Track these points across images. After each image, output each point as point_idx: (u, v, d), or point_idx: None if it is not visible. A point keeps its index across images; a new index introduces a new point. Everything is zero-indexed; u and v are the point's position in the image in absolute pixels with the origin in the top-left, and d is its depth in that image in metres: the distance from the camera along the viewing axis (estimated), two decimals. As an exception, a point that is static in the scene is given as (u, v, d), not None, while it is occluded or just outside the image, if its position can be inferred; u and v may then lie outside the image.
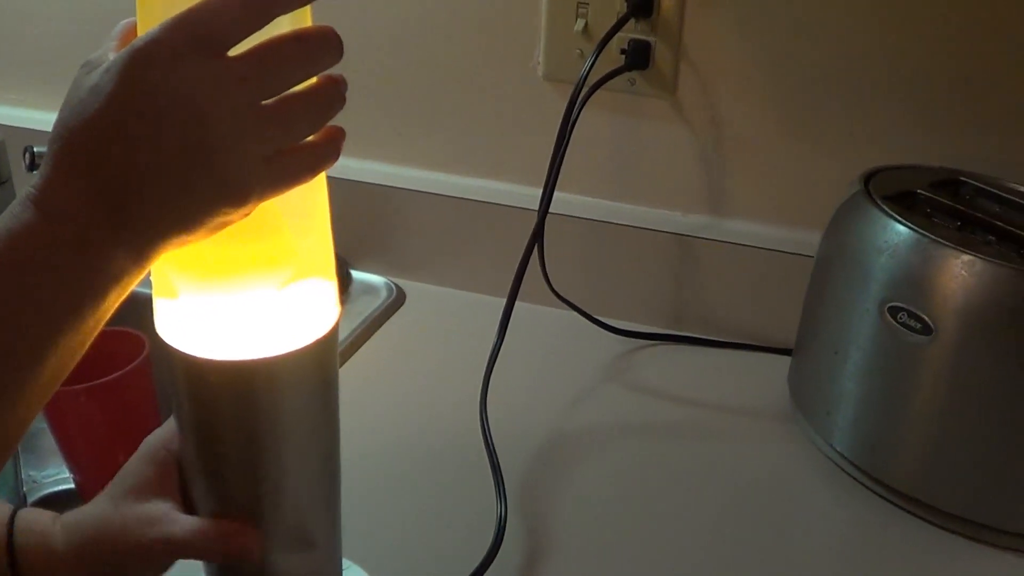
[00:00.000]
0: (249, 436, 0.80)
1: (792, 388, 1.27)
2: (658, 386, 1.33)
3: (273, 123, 0.66)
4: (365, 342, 1.40)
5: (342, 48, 0.70)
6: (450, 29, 1.42)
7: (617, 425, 1.26)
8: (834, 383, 1.17)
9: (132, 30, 0.72)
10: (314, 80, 0.70)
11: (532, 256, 1.31)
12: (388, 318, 1.46)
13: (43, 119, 1.67)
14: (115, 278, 0.67)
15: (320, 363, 0.81)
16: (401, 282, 1.53)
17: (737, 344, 1.41)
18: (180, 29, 0.64)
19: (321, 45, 0.69)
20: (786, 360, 1.30)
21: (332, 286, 0.80)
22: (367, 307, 1.46)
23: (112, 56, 0.65)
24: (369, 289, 1.51)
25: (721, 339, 1.42)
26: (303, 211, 0.76)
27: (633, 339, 1.41)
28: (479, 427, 1.21)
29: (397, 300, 1.49)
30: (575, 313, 1.40)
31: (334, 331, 0.81)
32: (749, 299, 1.40)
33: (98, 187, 0.65)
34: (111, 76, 0.64)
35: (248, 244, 0.73)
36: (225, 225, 0.68)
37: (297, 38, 0.67)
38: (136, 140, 0.64)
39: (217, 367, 0.77)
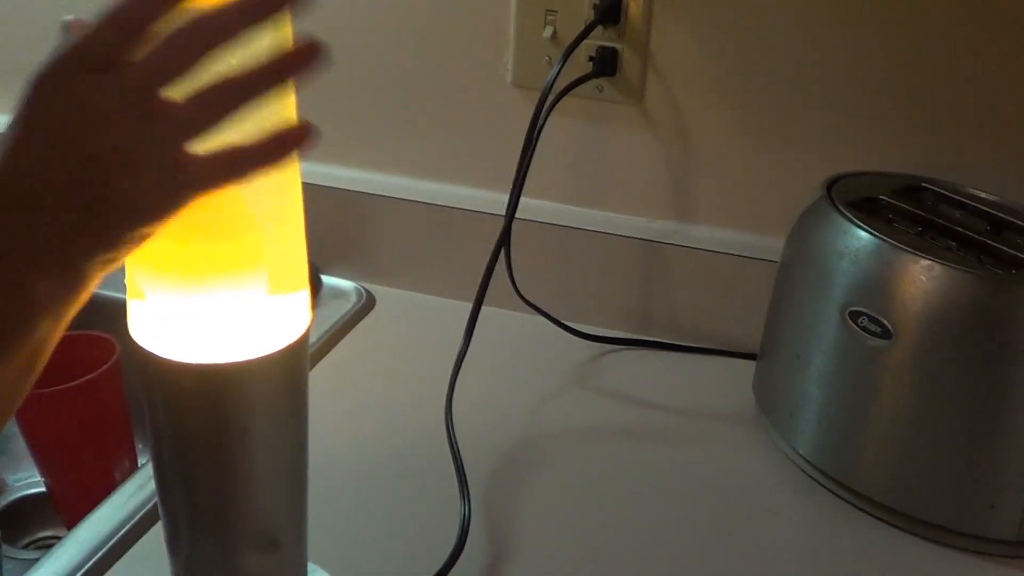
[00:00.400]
0: (219, 439, 0.81)
1: (757, 393, 1.29)
2: (624, 390, 1.34)
3: (174, 122, 0.65)
4: (334, 346, 1.41)
5: (249, 22, 0.67)
6: (419, 35, 1.42)
7: (583, 429, 1.27)
8: (797, 388, 1.19)
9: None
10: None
11: (499, 261, 1.32)
12: (357, 323, 1.46)
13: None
14: (43, 305, 0.66)
15: (291, 368, 0.82)
16: (371, 287, 1.54)
17: (703, 349, 1.42)
18: (67, 51, 0.64)
19: (219, 29, 0.66)
20: (751, 365, 1.31)
21: (304, 292, 0.81)
22: (337, 312, 1.47)
23: None
24: (339, 294, 1.51)
25: (687, 344, 1.43)
26: (275, 214, 0.77)
27: (600, 344, 1.42)
28: (444, 430, 1.22)
29: (367, 305, 1.50)
30: (542, 318, 1.41)
31: (305, 337, 0.82)
32: (715, 304, 1.41)
33: (12, 215, 0.64)
34: (17, 105, 0.64)
35: (216, 243, 0.74)
36: (149, 236, 0.67)
37: (191, 27, 0.65)
38: (38, 165, 0.64)
39: (188, 370, 0.78)
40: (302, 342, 0.82)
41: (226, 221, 0.72)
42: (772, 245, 1.30)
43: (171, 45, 0.65)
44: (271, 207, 0.76)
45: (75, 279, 0.67)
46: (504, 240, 1.32)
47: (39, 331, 0.67)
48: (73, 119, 0.63)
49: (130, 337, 0.80)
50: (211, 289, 0.75)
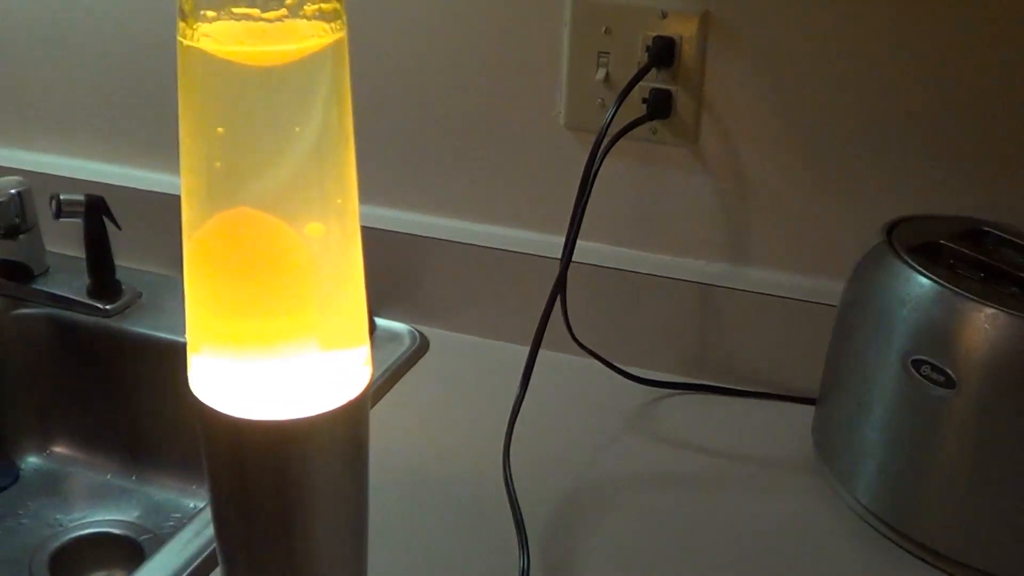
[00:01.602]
0: (279, 494, 0.81)
1: (816, 439, 1.27)
2: (680, 436, 1.33)
3: None
4: (389, 390, 1.40)
5: None
6: (472, 77, 1.42)
7: (639, 475, 1.26)
8: (857, 435, 1.17)
9: None
10: None
11: (554, 305, 1.31)
12: (412, 366, 1.46)
13: (69, 166, 1.68)
14: None
15: (352, 424, 0.82)
16: (425, 329, 1.53)
17: (760, 393, 1.41)
18: None
19: None
20: (809, 410, 1.30)
21: (365, 349, 0.81)
22: (391, 354, 1.47)
23: None
24: (393, 336, 1.51)
25: (744, 388, 1.42)
26: (333, 286, 0.77)
27: (655, 388, 1.41)
28: (502, 477, 1.21)
29: (421, 347, 1.50)
30: (597, 362, 1.40)
31: (366, 392, 0.81)
32: (772, 348, 1.40)
33: None
34: None
35: (275, 319, 0.74)
36: None
37: None
38: None
39: (248, 426, 0.78)
40: (363, 397, 0.81)
41: (282, 298, 0.72)
42: (830, 288, 1.29)
43: None
44: (332, 281, 0.76)
45: None
46: (560, 285, 1.31)
47: None
48: None
49: (191, 391, 0.80)
50: (270, 355, 0.75)
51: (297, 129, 0.73)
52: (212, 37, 0.71)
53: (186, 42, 0.72)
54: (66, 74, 1.65)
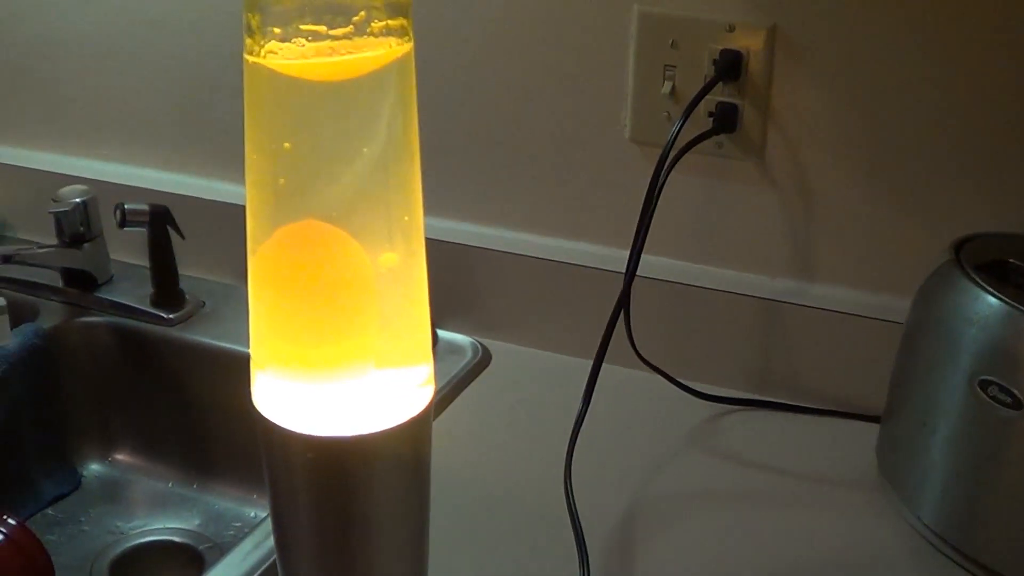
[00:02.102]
0: (342, 510, 0.81)
1: (880, 457, 1.26)
2: (743, 452, 1.32)
3: None
4: (451, 402, 1.40)
5: None
6: (538, 89, 1.42)
7: (701, 492, 1.26)
8: (922, 455, 1.16)
9: None
10: None
11: (618, 319, 1.31)
12: (474, 378, 1.46)
13: (133, 174, 1.69)
14: None
15: (414, 441, 0.81)
16: (487, 342, 1.53)
17: (824, 410, 1.40)
18: None
19: None
20: (874, 428, 1.29)
21: (428, 366, 0.80)
22: (453, 367, 1.46)
23: None
24: (455, 348, 1.51)
25: (807, 405, 1.41)
26: (398, 305, 0.77)
27: (718, 404, 1.40)
28: (563, 492, 1.21)
29: (483, 360, 1.50)
30: (659, 376, 1.40)
31: (428, 409, 0.81)
32: (836, 365, 1.39)
33: None
34: None
35: (340, 343, 0.74)
36: None
37: None
38: None
39: (311, 442, 0.78)
40: (425, 415, 0.81)
41: (351, 322, 0.72)
42: (895, 305, 1.27)
43: None
44: (397, 300, 0.76)
45: None
46: (624, 300, 1.31)
47: None
48: None
49: (255, 407, 0.80)
50: (335, 375, 0.75)
51: (363, 146, 0.73)
52: (278, 54, 0.71)
53: (252, 59, 0.72)
54: (131, 84, 1.66)
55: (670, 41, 1.34)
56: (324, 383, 0.76)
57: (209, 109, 1.62)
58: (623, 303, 1.31)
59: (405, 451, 0.81)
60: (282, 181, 0.74)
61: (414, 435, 0.81)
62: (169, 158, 1.68)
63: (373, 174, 0.74)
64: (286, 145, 0.73)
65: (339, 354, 0.75)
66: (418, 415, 0.80)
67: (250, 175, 0.76)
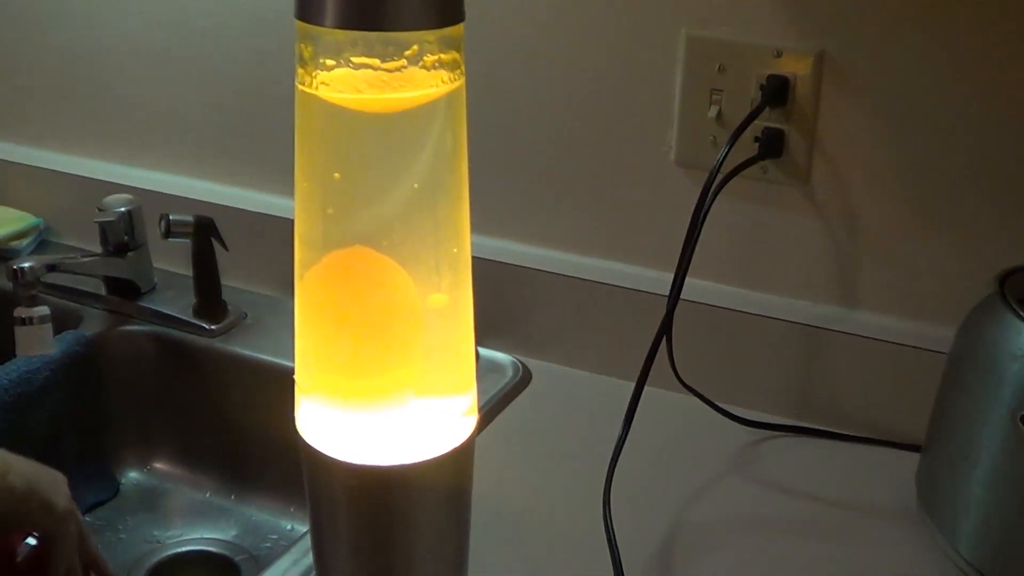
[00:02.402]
0: (382, 537, 0.81)
1: (920, 488, 1.25)
2: (783, 479, 1.32)
3: None
4: (490, 421, 1.40)
5: None
6: (582, 111, 1.42)
7: (739, 518, 1.25)
8: (963, 487, 1.15)
9: None
10: None
11: (660, 342, 1.30)
12: (514, 398, 1.46)
13: (178, 183, 1.70)
14: None
15: (456, 470, 0.81)
16: (528, 361, 1.53)
17: (864, 439, 1.39)
18: None
19: None
20: (914, 457, 1.28)
21: (471, 397, 0.81)
22: (493, 385, 1.46)
23: None
24: (495, 367, 1.51)
25: (848, 432, 1.40)
26: (443, 337, 0.77)
27: (758, 429, 1.40)
28: (601, 516, 1.20)
29: (523, 379, 1.49)
30: (700, 400, 1.39)
31: (471, 440, 0.81)
32: (877, 393, 1.38)
33: None
34: None
35: (384, 375, 0.74)
36: None
37: None
38: None
39: (355, 471, 0.78)
40: (468, 445, 0.81)
41: (396, 354, 0.72)
42: (939, 335, 1.27)
43: None
44: (442, 332, 0.76)
45: None
46: (667, 323, 1.30)
47: None
48: None
49: (298, 433, 0.80)
50: (379, 405, 0.75)
51: (413, 177, 0.73)
52: (330, 85, 0.71)
53: (304, 89, 0.72)
54: (177, 94, 1.67)
55: (717, 65, 1.33)
56: (367, 412, 0.77)
57: (255, 120, 1.63)
58: (666, 326, 1.31)
59: (446, 481, 0.81)
60: (331, 211, 0.74)
61: (456, 465, 0.81)
62: (215, 168, 1.69)
63: (422, 205, 0.74)
64: (336, 175, 0.73)
65: (383, 385, 0.75)
66: (460, 445, 0.80)
67: (299, 202, 0.76)
